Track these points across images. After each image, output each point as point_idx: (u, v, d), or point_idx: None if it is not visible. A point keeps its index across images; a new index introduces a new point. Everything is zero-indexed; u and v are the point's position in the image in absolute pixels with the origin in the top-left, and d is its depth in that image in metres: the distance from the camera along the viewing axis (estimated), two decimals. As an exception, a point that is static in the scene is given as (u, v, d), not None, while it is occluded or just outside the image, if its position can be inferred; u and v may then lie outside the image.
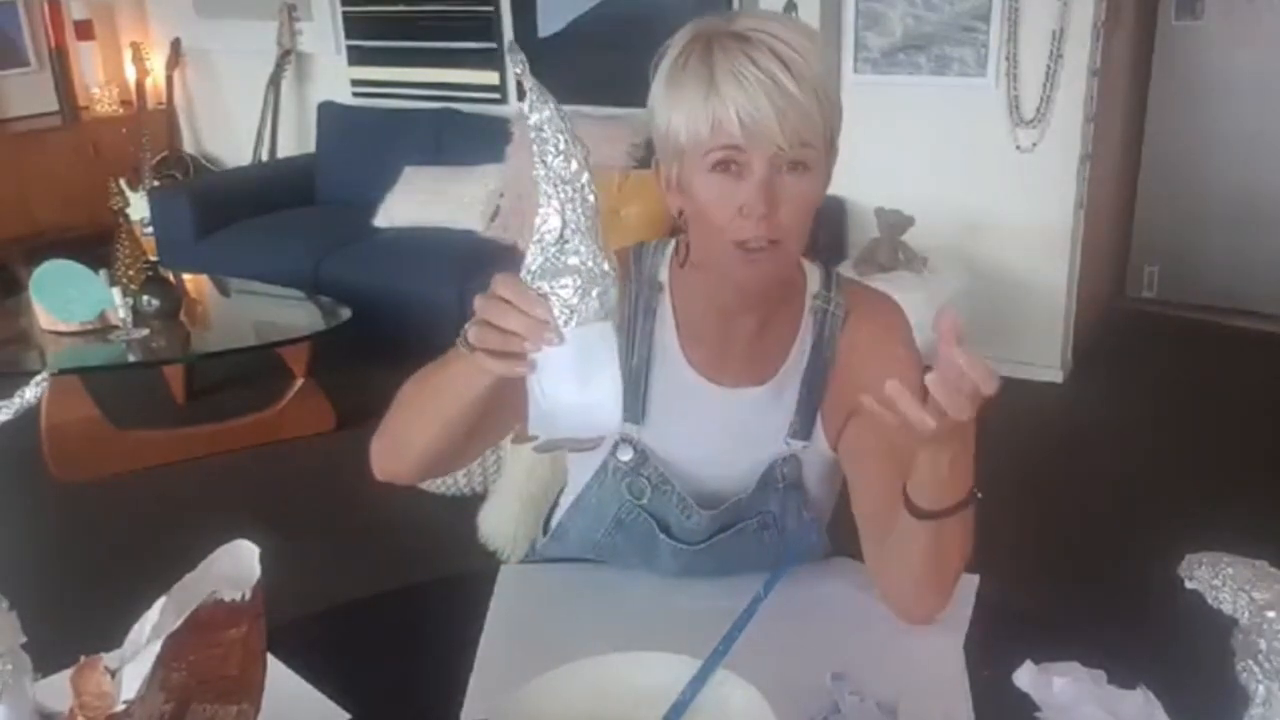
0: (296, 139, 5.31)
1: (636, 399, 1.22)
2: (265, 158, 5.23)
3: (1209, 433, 3.53)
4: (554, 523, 1.40)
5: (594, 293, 0.88)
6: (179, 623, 0.76)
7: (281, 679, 1.01)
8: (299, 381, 3.65)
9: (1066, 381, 3.97)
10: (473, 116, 4.68)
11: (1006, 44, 3.69)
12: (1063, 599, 2.44)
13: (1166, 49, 4.45)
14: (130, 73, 5.65)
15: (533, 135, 0.87)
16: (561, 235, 0.87)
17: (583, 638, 1.11)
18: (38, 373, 0.89)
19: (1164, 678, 0.97)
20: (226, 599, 0.80)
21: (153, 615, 0.81)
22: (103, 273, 3.44)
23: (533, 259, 0.88)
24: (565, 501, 1.37)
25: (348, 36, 5.07)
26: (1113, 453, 3.43)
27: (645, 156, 4.00)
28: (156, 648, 0.75)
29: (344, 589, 1.31)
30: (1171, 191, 4.57)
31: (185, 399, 3.95)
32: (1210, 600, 0.86)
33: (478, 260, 4.02)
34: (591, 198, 0.87)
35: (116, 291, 3.42)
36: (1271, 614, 0.82)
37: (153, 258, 3.94)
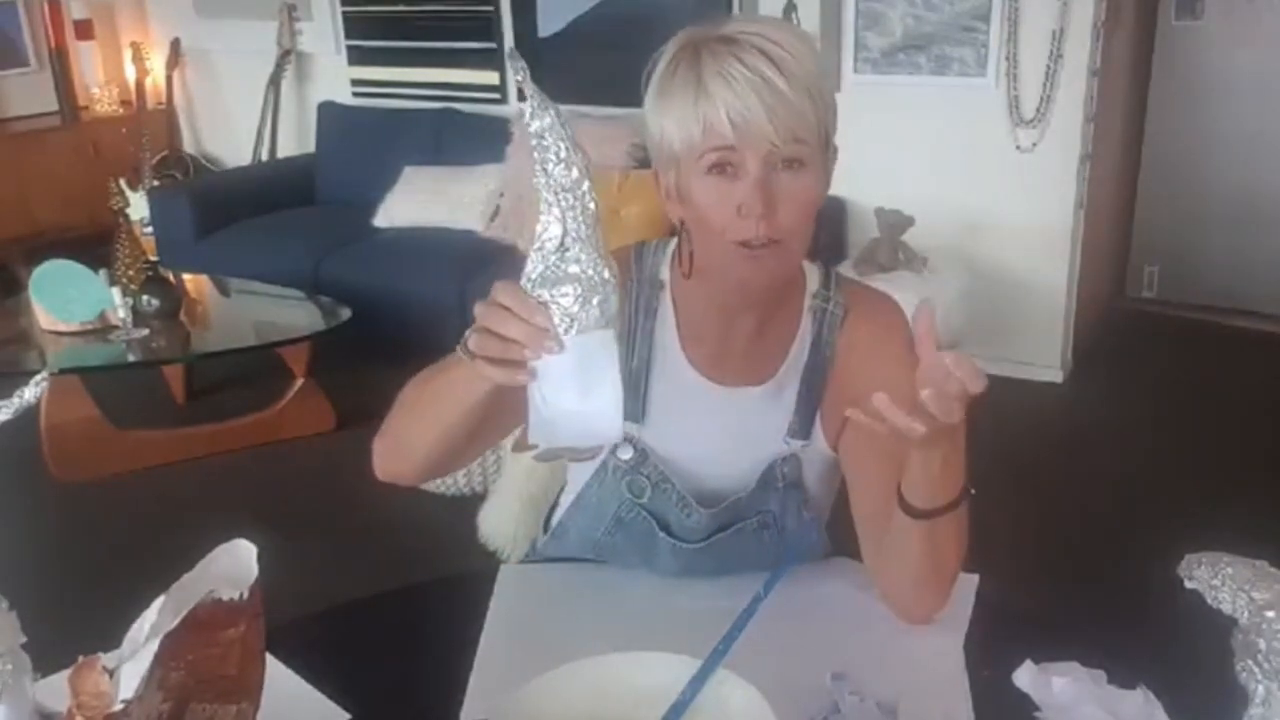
0: (296, 139, 5.31)
1: (637, 398, 1.22)
2: (265, 158, 5.23)
3: (1209, 433, 3.53)
4: (554, 522, 1.40)
5: (595, 301, 0.87)
6: (177, 622, 0.76)
7: (281, 679, 1.01)
8: (299, 381, 3.65)
9: (1066, 381, 3.97)
10: (473, 116, 4.68)
11: (1006, 44, 3.69)
12: (1063, 599, 2.44)
13: (1166, 49, 4.45)
14: (130, 73, 5.65)
15: (533, 143, 0.86)
16: (562, 243, 0.87)
17: (583, 638, 1.11)
18: (38, 373, 0.89)
19: (1164, 678, 0.97)
20: (225, 598, 0.80)
21: (151, 615, 0.81)
22: (103, 273, 3.44)
23: (533, 266, 0.88)
24: (565, 501, 1.37)
25: (348, 36, 5.08)
26: (1113, 453, 3.43)
27: (645, 157, 3.97)
28: (155, 647, 0.75)
29: (344, 589, 1.31)
30: (1171, 191, 4.57)
31: (185, 399, 3.95)
32: (1210, 600, 0.86)
33: (478, 260, 4.03)
34: (592, 205, 0.87)
35: (116, 291, 3.42)
36: (1271, 614, 0.82)
37: (153, 258, 3.94)
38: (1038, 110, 3.71)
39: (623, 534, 1.27)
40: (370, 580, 1.40)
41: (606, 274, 0.88)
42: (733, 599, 1.11)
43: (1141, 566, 1.74)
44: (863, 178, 3.37)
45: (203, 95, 5.74)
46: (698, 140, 1.06)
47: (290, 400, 3.65)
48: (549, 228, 0.87)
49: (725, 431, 1.24)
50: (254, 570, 0.83)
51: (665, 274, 1.25)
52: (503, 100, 4.72)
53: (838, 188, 1.16)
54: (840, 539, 1.34)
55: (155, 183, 5.05)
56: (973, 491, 1.09)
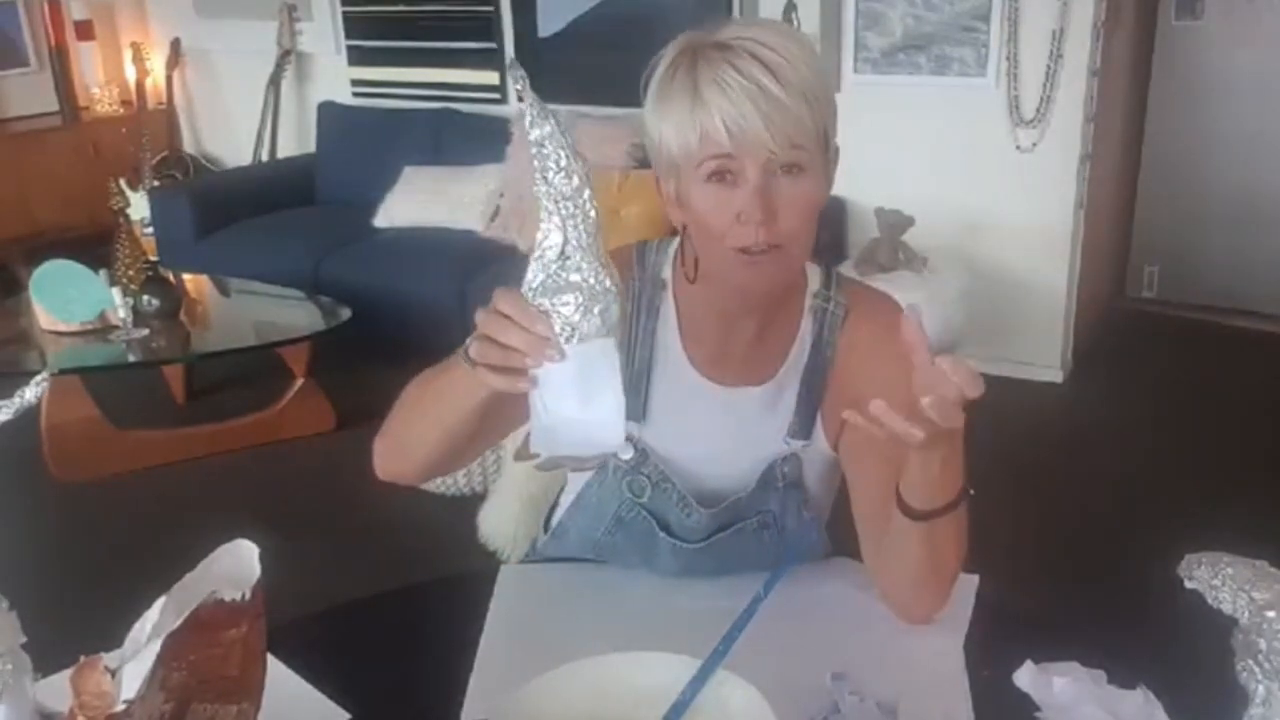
0: (296, 139, 5.31)
1: (638, 398, 1.23)
2: (265, 158, 5.23)
3: (1209, 433, 3.53)
4: (554, 521, 1.40)
5: (596, 310, 0.87)
6: (179, 622, 0.76)
7: (281, 679, 1.01)
8: (299, 381, 3.65)
9: (1066, 381, 3.97)
10: (473, 116, 4.68)
11: (1006, 44, 3.69)
12: (1063, 599, 2.44)
13: (1166, 49, 4.45)
14: (130, 73, 5.65)
15: (533, 151, 0.86)
16: (563, 252, 0.87)
17: (583, 638, 1.11)
18: (38, 373, 0.89)
19: (1164, 678, 0.97)
20: (226, 599, 0.80)
21: (153, 615, 0.81)
22: (103, 273, 3.44)
23: (534, 275, 0.88)
24: (565, 501, 1.37)
25: (348, 36, 5.07)
26: (1113, 453, 3.44)
27: (645, 156, 3.94)
28: (156, 647, 0.75)
29: (344, 589, 1.32)
30: (1171, 191, 4.57)
31: (185, 399, 3.95)
32: (1210, 600, 0.86)
33: (478, 260, 4.03)
34: (593, 214, 0.87)
35: (116, 291, 3.42)
36: (1271, 614, 0.82)
37: (153, 258, 3.94)
38: (1038, 110, 3.71)
39: (623, 534, 1.27)
40: (370, 580, 1.40)
41: (608, 282, 0.88)
42: (733, 599, 1.11)
43: (1141, 566, 1.74)
44: (863, 178, 3.37)
45: (203, 95, 5.74)
46: (695, 149, 1.06)
47: (290, 400, 3.65)
48: (549, 236, 0.87)
49: (726, 431, 1.24)
50: (256, 570, 0.83)
51: (667, 274, 1.25)
52: (503, 100, 4.72)
53: (838, 188, 1.16)
54: (840, 539, 1.34)
55: (155, 183, 5.05)
56: (971, 492, 1.10)
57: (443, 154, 4.63)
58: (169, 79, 5.62)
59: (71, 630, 1.02)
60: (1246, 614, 0.83)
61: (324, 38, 5.14)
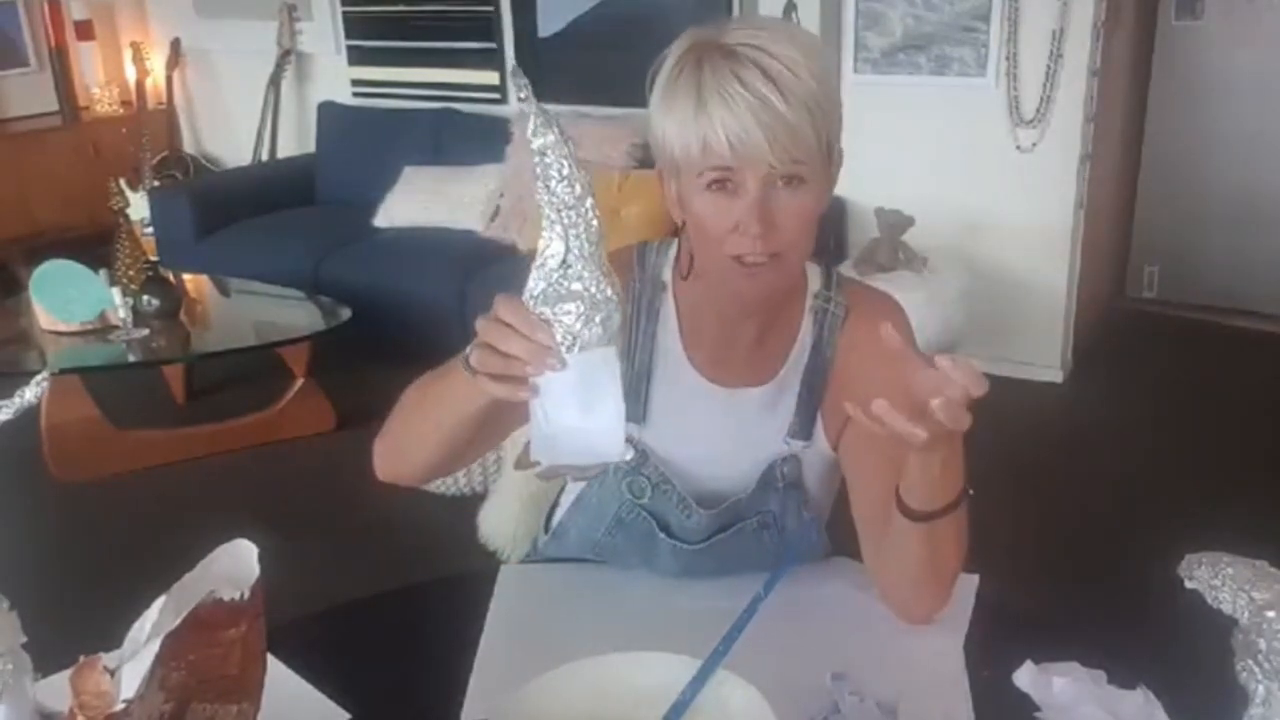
0: (296, 139, 5.31)
1: (638, 399, 1.23)
2: (265, 158, 5.23)
3: (1209, 433, 3.53)
4: (555, 522, 1.40)
5: (597, 319, 0.87)
6: (179, 622, 0.76)
7: (281, 679, 1.01)
8: (299, 381, 3.65)
9: (1066, 381, 3.97)
10: (473, 116, 4.68)
11: (1006, 44, 3.69)
12: (1063, 599, 2.44)
13: (1166, 49, 4.45)
14: (130, 73, 5.65)
15: (535, 160, 0.86)
16: (565, 260, 0.87)
17: (583, 638, 1.11)
18: (38, 373, 0.89)
19: (1164, 678, 0.97)
20: (226, 598, 0.80)
21: (152, 615, 0.81)
22: (103, 273, 3.44)
23: (535, 283, 0.88)
24: (566, 501, 1.37)
25: (348, 36, 5.07)
26: (1113, 453, 3.43)
27: (645, 156, 3.99)
28: (156, 647, 0.75)
29: (344, 589, 1.31)
30: (1171, 191, 4.57)
31: (185, 399, 3.95)
32: (1210, 600, 0.86)
33: (478, 260, 4.03)
34: (595, 223, 0.87)
35: (116, 291, 3.42)
36: (1271, 614, 0.82)
37: (153, 258, 3.94)
38: (1038, 110, 3.71)
39: (623, 534, 1.27)
40: (370, 580, 1.40)
41: (609, 291, 0.88)
42: (733, 599, 1.11)
43: (1141, 566, 1.74)
44: (863, 178, 3.35)
45: (203, 95, 5.74)
46: (697, 157, 1.06)
47: (290, 400, 3.65)
48: (551, 245, 0.87)
49: (726, 433, 1.24)
50: (255, 570, 0.83)
51: (668, 275, 1.25)
52: (503, 100, 4.72)
53: (838, 188, 1.16)
54: (840, 539, 1.34)
55: (155, 183, 5.05)
56: (971, 492, 1.09)
57: (443, 154, 4.63)
58: (169, 79, 5.62)
59: (71, 630, 1.01)
60: (1246, 614, 0.83)
61: (324, 38, 5.14)
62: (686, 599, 1.24)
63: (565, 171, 0.86)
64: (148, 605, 0.83)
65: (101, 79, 5.80)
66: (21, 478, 3.19)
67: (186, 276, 4.07)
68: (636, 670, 0.99)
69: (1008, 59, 3.70)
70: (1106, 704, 0.93)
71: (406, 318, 3.95)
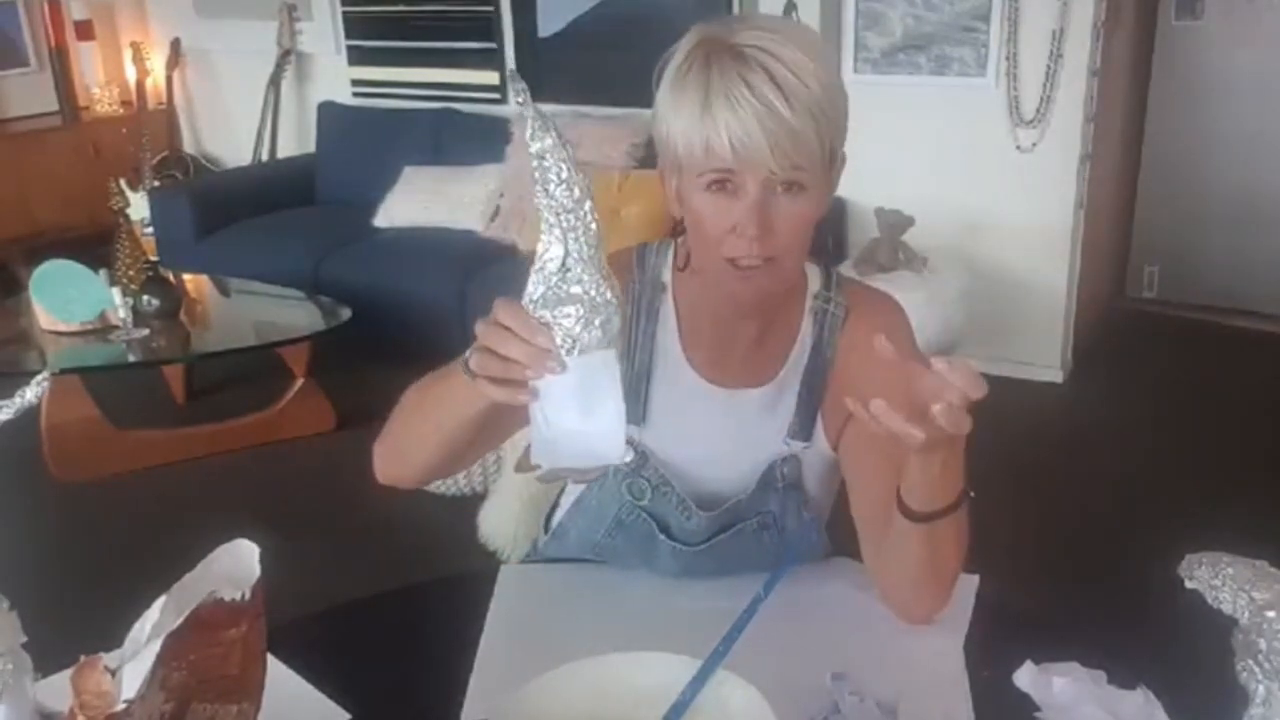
0: (296, 139, 5.31)
1: (638, 401, 1.23)
2: (265, 158, 5.23)
3: (1209, 433, 3.53)
4: (555, 522, 1.40)
5: (597, 322, 0.87)
6: (179, 622, 0.76)
7: (281, 679, 1.01)
8: (299, 381, 3.65)
9: (1066, 381, 3.97)
10: (473, 116, 4.68)
11: (1006, 44, 3.69)
12: (1063, 599, 2.44)
13: (1166, 49, 4.45)
14: (130, 73, 5.65)
15: (534, 164, 0.86)
16: (564, 264, 0.87)
17: (583, 638, 1.11)
18: (38, 373, 0.89)
19: (1164, 678, 0.97)
20: (226, 598, 0.80)
21: (153, 614, 0.81)
22: (103, 273, 3.44)
23: (534, 287, 0.88)
24: (566, 502, 1.37)
25: (348, 36, 5.07)
26: (1113, 453, 3.44)
27: (645, 156, 4.00)
28: (156, 647, 0.75)
29: (344, 589, 1.31)
30: (1171, 191, 4.57)
31: (185, 399, 3.95)
32: (1210, 600, 0.86)
33: (478, 260, 4.03)
34: (594, 226, 0.87)
35: (116, 291, 3.42)
36: (1271, 614, 0.82)
37: (153, 258, 3.94)
38: (1038, 110, 3.71)
39: (623, 536, 1.27)
40: (370, 580, 1.40)
41: (609, 294, 0.88)
42: (733, 599, 1.11)
43: (1141, 566, 1.74)
44: (863, 178, 3.32)
45: (203, 95, 5.74)
46: (699, 157, 1.06)
47: (290, 400, 3.65)
48: (550, 248, 0.87)
49: (726, 434, 1.24)
50: (255, 570, 0.83)
51: (667, 277, 1.25)
52: (503, 100, 4.72)
53: (838, 188, 1.16)
54: (840, 539, 1.34)
55: (155, 183, 5.05)
56: (972, 494, 1.09)
57: (443, 154, 4.63)
58: (169, 79, 5.62)
59: (71, 630, 1.02)
60: (1246, 614, 0.83)
61: (324, 38, 5.14)
62: (686, 599, 1.24)
63: (564, 175, 0.86)
64: (148, 605, 0.83)
65: (101, 79, 5.80)
66: (21, 478, 3.19)
67: (186, 276, 4.07)
68: (636, 670, 0.99)
69: (1008, 59, 3.70)
70: (1106, 704, 0.93)
71: (406, 318, 3.95)
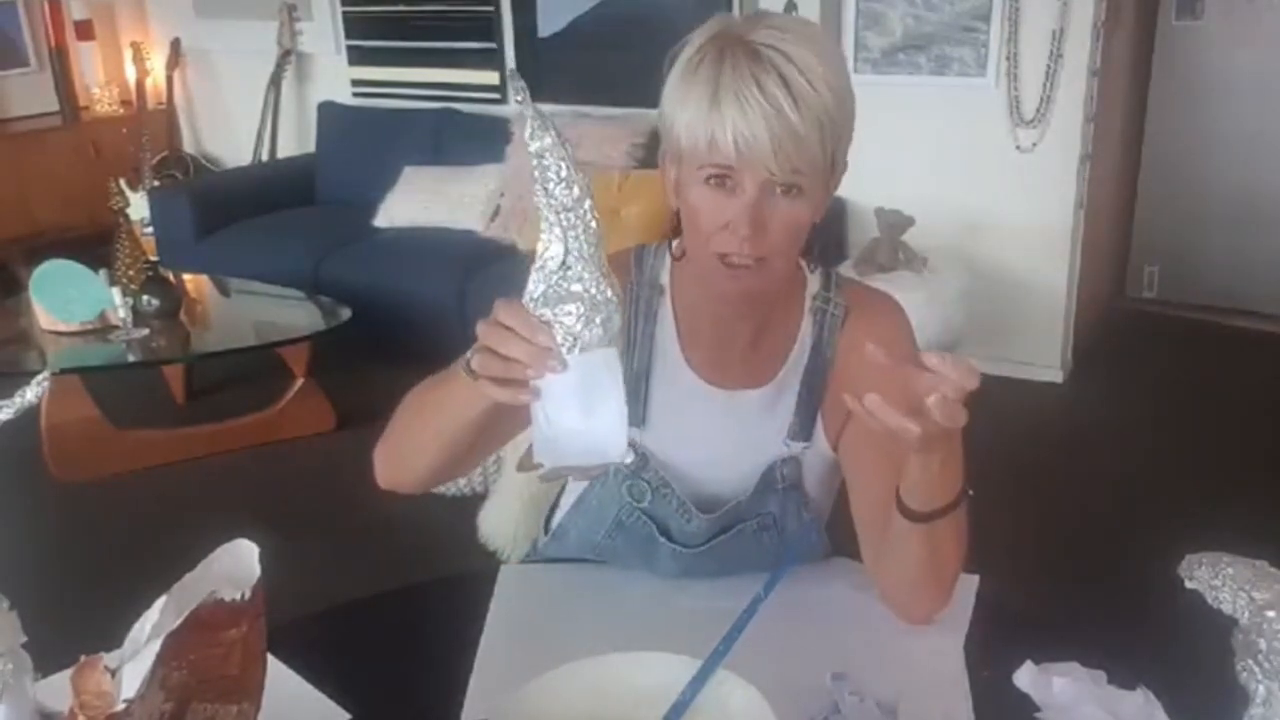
0: (296, 139, 5.31)
1: (637, 402, 1.23)
2: (265, 158, 5.23)
3: (1209, 433, 3.53)
4: (555, 523, 1.40)
5: (598, 319, 0.87)
6: (179, 622, 0.76)
7: (281, 679, 1.01)
8: (299, 381, 3.65)
9: (1066, 381, 3.97)
10: (473, 116, 4.68)
11: (1006, 44, 3.69)
12: (1063, 599, 2.44)
13: (1166, 49, 4.45)
14: (130, 73, 5.65)
15: (534, 163, 0.86)
16: (564, 262, 0.87)
17: (583, 638, 1.11)
18: (38, 373, 0.89)
19: (1164, 678, 0.97)
20: (226, 599, 0.80)
21: (153, 614, 0.81)
22: (103, 273, 3.44)
23: (535, 286, 0.88)
24: (566, 503, 1.37)
25: (348, 36, 5.07)
26: (1113, 453, 3.44)
27: (645, 156, 4.00)
28: (156, 647, 0.75)
29: (344, 589, 1.31)
30: (1171, 191, 4.57)
31: (185, 399, 3.95)
32: (1210, 600, 0.86)
33: (478, 260, 4.03)
34: (594, 224, 0.87)
35: (116, 291, 3.42)
36: (1271, 614, 0.82)
37: (153, 258, 3.94)
38: (1038, 110, 3.71)
39: (623, 537, 1.27)
40: (370, 580, 1.40)
41: (609, 292, 0.88)
42: (733, 599, 1.11)
43: (1141, 566, 1.74)
44: (863, 178, 3.32)
45: (203, 95, 5.74)
46: (702, 151, 1.06)
47: (290, 400, 3.65)
48: (550, 246, 0.87)
49: (725, 435, 1.24)
50: (256, 570, 0.83)
51: (665, 278, 1.25)
52: (503, 100, 4.72)
53: (839, 188, 1.16)
54: (840, 539, 1.34)
55: (155, 183, 5.05)
56: (970, 493, 1.10)
57: (443, 154, 4.63)
58: (169, 79, 5.62)
59: (71, 630, 1.02)
60: (1246, 614, 0.83)
61: (324, 38, 5.14)
62: (686, 599, 1.24)
63: (563, 174, 0.86)
64: (148, 605, 0.83)
65: (101, 79, 5.80)
66: (21, 478, 3.19)
67: (186, 276, 4.07)
68: (636, 670, 0.99)
69: (1008, 59, 3.70)
70: (1106, 704, 0.93)
71: (406, 318, 3.95)
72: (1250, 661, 0.83)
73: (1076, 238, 3.85)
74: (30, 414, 0.92)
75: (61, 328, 3.42)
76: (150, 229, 4.59)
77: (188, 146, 5.78)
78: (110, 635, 0.85)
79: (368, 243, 4.38)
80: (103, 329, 3.44)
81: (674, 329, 1.24)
